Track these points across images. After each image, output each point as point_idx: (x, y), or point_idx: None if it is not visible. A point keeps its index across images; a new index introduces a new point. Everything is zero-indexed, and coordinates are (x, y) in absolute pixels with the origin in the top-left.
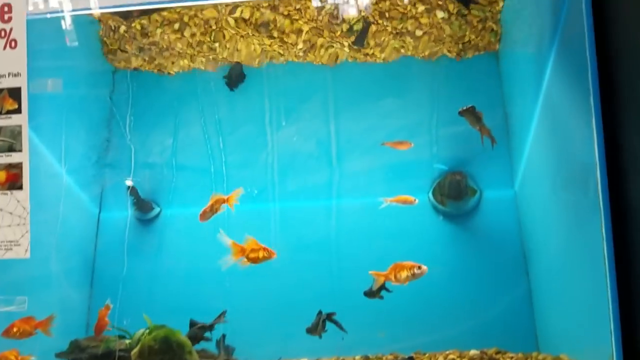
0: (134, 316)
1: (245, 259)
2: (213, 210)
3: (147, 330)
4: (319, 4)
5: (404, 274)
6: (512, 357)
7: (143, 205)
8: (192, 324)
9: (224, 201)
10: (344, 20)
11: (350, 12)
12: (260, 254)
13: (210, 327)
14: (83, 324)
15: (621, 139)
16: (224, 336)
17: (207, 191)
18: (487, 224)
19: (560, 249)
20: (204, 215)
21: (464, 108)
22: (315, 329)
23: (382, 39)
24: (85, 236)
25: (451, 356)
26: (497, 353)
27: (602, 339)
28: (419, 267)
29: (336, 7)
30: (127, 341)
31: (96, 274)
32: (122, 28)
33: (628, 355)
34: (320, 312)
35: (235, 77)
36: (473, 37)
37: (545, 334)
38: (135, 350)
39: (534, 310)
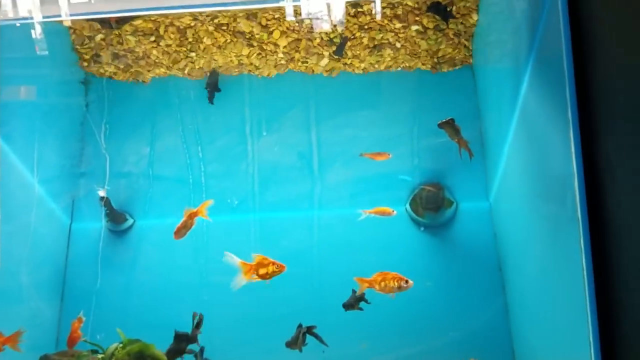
0: (107, 330)
1: (256, 276)
2: (187, 226)
3: (121, 345)
4: (293, 19)
5: (390, 285)
6: None
7: (116, 217)
8: (177, 335)
9: (196, 215)
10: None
11: (324, 27)
12: (270, 269)
13: (192, 338)
14: (53, 339)
15: (598, 152)
16: (202, 349)
17: (185, 201)
18: (463, 236)
19: (537, 261)
20: (179, 233)
21: (444, 120)
22: (295, 343)
23: (359, 52)
24: (56, 247)
25: None
26: None
27: (581, 351)
28: (406, 282)
29: (311, 22)
30: (100, 356)
31: (67, 287)
32: (99, 36)
33: None
34: (300, 325)
35: (212, 87)
36: (449, 50)
37: (521, 346)
38: None
39: (510, 323)
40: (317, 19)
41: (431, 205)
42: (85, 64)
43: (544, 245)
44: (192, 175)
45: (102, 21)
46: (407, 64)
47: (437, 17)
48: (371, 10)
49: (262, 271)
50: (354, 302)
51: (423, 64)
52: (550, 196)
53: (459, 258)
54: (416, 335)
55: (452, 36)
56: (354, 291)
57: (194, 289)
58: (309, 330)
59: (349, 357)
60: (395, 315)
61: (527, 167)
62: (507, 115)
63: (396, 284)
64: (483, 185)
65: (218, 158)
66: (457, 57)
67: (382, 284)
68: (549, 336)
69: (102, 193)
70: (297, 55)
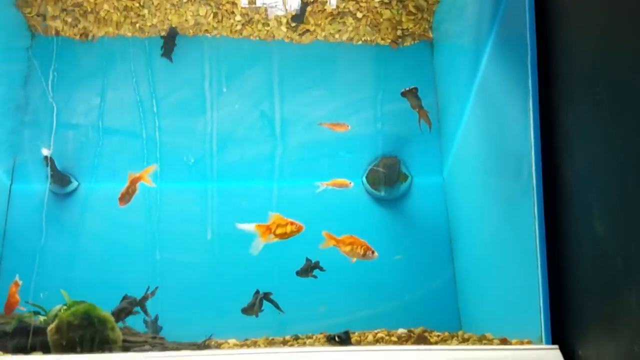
0: (50, 292)
1: (274, 237)
2: (130, 192)
3: (65, 306)
4: (247, 5)
5: (357, 250)
6: (438, 336)
7: (60, 178)
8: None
9: (138, 180)
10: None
11: (279, 13)
12: (288, 229)
13: (140, 303)
14: None
15: (556, 124)
16: (156, 316)
17: (138, 157)
18: (417, 209)
19: (488, 233)
20: (123, 199)
21: (407, 89)
22: (252, 309)
23: (320, 20)
24: None
25: (380, 335)
26: (423, 332)
27: (531, 318)
28: (372, 252)
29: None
30: (42, 318)
31: (6, 251)
32: None
33: (556, 331)
34: (257, 292)
35: (170, 40)
36: (410, 25)
37: (468, 314)
38: (52, 325)
39: (458, 292)
40: (272, 7)
41: (387, 179)
42: (30, 13)
43: (497, 218)
44: (146, 129)
45: None
46: (369, 37)
47: None
48: None
49: (279, 231)
50: (308, 269)
51: (382, 39)
52: (505, 169)
53: (412, 230)
54: (368, 303)
55: (412, 8)
56: (307, 259)
57: (144, 251)
58: (266, 296)
59: (308, 319)
60: (348, 284)
61: (483, 142)
62: (465, 90)
63: (362, 251)
64: (438, 160)
65: (174, 113)
66: (416, 32)
67: (349, 247)
68: (496, 304)
69: (46, 152)
70: (256, 17)
